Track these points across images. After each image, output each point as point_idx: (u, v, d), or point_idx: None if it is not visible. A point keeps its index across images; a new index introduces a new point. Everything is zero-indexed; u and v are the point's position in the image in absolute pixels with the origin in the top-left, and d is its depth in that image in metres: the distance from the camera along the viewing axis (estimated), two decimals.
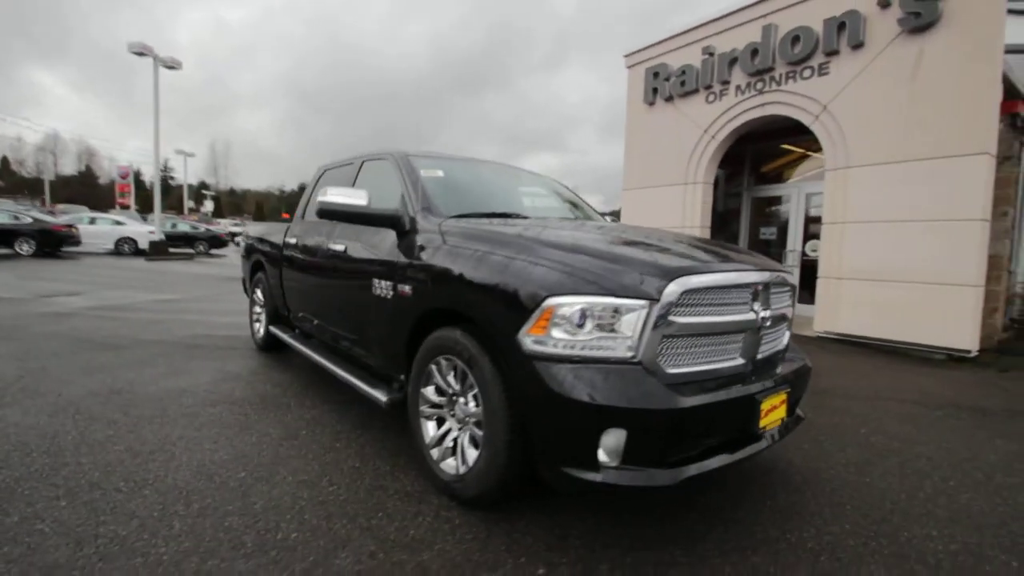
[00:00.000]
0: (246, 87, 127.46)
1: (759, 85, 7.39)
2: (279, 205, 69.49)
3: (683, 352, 1.94)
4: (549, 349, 1.86)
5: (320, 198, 2.76)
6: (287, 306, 4.32)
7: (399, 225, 2.76)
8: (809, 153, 9.07)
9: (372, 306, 2.84)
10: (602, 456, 1.79)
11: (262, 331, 4.92)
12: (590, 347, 1.84)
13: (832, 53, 6.52)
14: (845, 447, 3.12)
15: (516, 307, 1.93)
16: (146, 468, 2.48)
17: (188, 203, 44.62)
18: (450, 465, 2.30)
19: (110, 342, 5.07)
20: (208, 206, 57.56)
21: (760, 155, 9.59)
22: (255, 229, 5.44)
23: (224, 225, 37.65)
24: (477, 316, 2.12)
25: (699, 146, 8.28)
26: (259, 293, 5.00)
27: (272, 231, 4.78)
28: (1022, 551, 2.08)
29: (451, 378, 2.32)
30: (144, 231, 18.89)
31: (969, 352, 5.68)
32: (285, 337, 4.18)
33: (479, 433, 2.14)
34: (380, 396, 2.73)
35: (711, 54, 7.92)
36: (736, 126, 7.79)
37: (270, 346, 4.83)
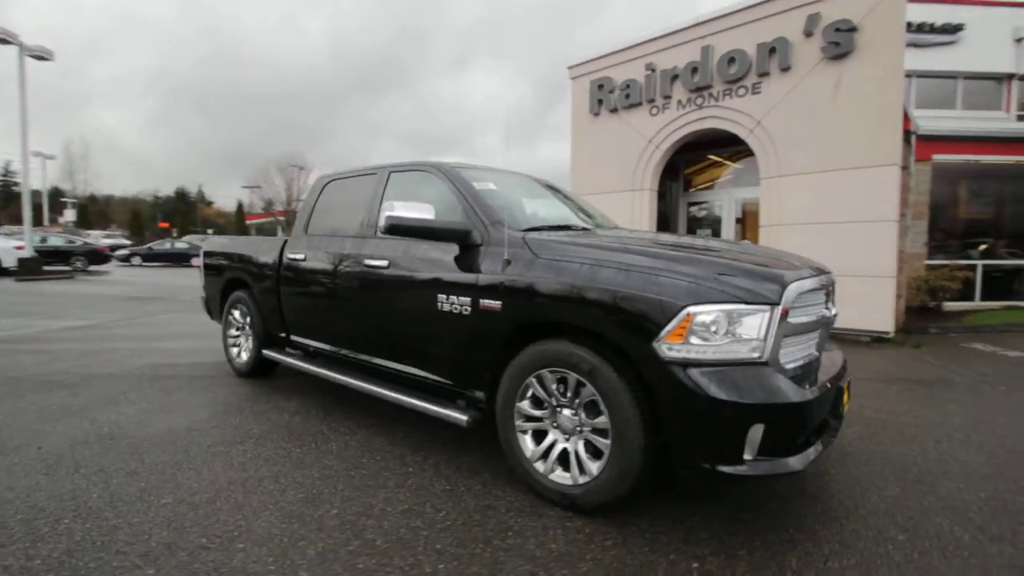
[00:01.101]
0: (105, 80, 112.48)
1: (699, 100, 8.09)
2: (153, 213, 62.56)
3: (791, 349, 2.15)
4: (687, 355, 1.98)
5: (388, 213, 2.64)
6: (285, 327, 4.01)
7: (468, 239, 2.71)
8: (728, 163, 10.09)
9: (438, 323, 2.77)
10: (745, 450, 1.94)
11: (245, 356, 4.50)
12: (723, 351, 1.98)
13: (764, 74, 7.33)
14: (851, 423, 3.58)
15: (652, 317, 2.02)
16: (218, 519, 2.21)
17: (49, 213, 38.54)
18: (563, 476, 2.32)
19: (53, 379, 4.35)
20: (69, 215, 50.12)
21: (690, 163, 10.46)
22: (223, 243, 4.95)
23: (95, 237, 33.07)
24: (599, 327, 2.17)
25: (644, 155, 8.85)
26: (236, 315, 4.57)
27: (255, 246, 4.40)
28: None
29: (554, 390, 2.35)
30: (7, 247, 16.11)
31: (888, 333, 6.68)
32: (294, 361, 3.86)
33: (602, 441, 2.20)
34: (458, 415, 2.66)
35: (653, 70, 8.51)
36: (678, 137, 8.45)
37: (256, 372, 4.42)
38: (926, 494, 2.54)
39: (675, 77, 8.25)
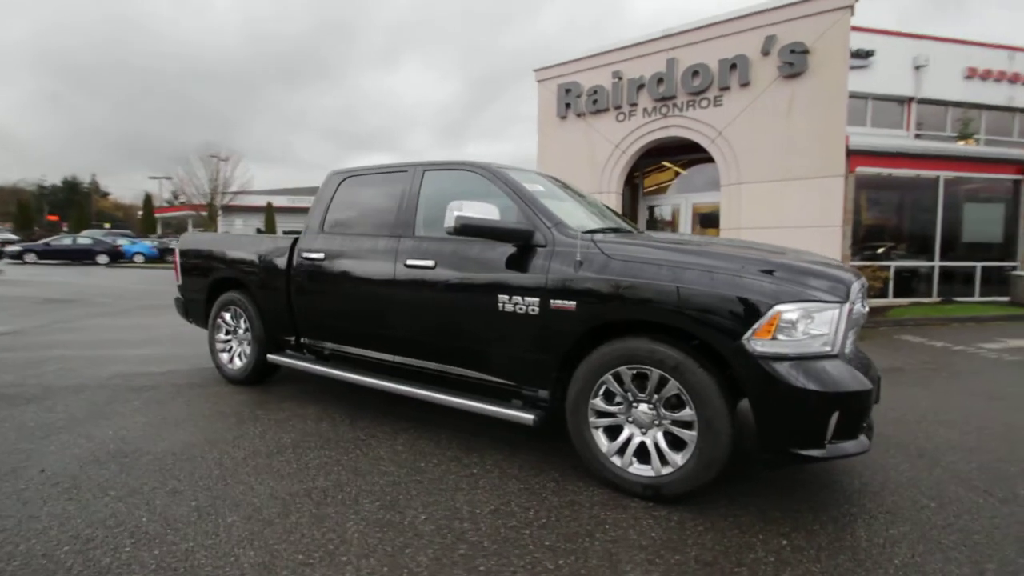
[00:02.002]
0: None
1: (664, 110, 8.53)
2: (39, 204, 55.61)
3: (848, 343, 2.39)
4: (774, 350, 2.15)
5: (458, 213, 2.61)
6: (295, 329, 3.80)
7: (531, 240, 2.74)
8: (679, 170, 10.72)
9: (498, 323, 2.77)
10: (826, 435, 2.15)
11: (239, 361, 4.21)
12: (803, 345, 2.17)
13: (725, 88, 7.88)
14: None
15: (743, 315, 2.17)
16: (302, 533, 2.10)
17: None
18: (643, 468, 2.42)
19: (7, 393, 3.83)
20: None
21: (645, 167, 10.99)
22: (208, 241, 4.58)
23: None
24: (687, 326, 2.29)
25: (611, 159, 9.19)
26: (227, 317, 4.26)
27: (254, 244, 4.12)
28: (1019, 462, 3.00)
29: (631, 385, 2.45)
30: None
31: None
32: (310, 366, 3.67)
33: (687, 433, 2.32)
34: (524, 415, 2.69)
35: (620, 78, 8.87)
36: (644, 144, 8.87)
37: (254, 379, 4.14)
38: (932, 467, 2.90)
39: (641, 86, 8.65)
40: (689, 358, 2.28)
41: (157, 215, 46.36)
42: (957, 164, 11.68)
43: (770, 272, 2.28)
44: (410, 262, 3.12)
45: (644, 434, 2.46)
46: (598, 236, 2.71)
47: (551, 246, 2.70)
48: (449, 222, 2.65)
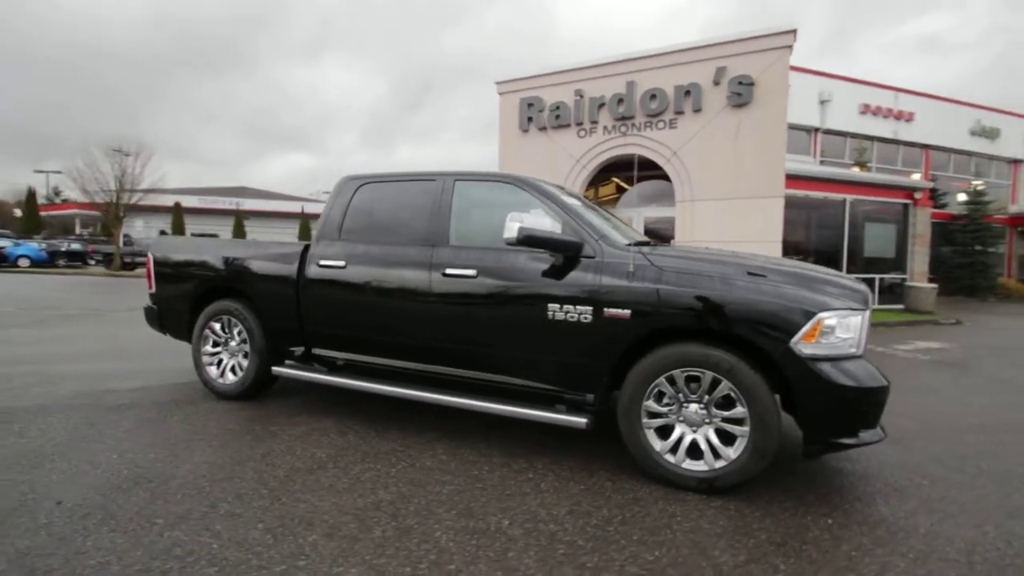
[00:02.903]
0: None
1: (623, 129, 9.04)
2: None
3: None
4: (817, 352, 2.44)
5: (520, 225, 2.69)
6: (304, 340, 3.65)
7: (580, 252, 2.87)
8: (626, 185, 11.35)
9: (548, 331, 2.87)
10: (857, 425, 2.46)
11: (233, 376, 3.95)
12: (837, 347, 2.48)
13: (680, 112, 8.51)
14: None
15: (792, 321, 2.44)
16: (396, 548, 2.07)
17: None
18: (696, 464, 2.62)
19: None
20: None
21: (596, 181, 11.51)
22: (194, 246, 4.25)
23: None
24: (740, 332, 2.52)
25: (572, 173, 9.56)
26: (217, 328, 3.99)
27: (256, 249, 3.91)
28: (970, 444, 3.54)
29: (683, 387, 2.65)
30: None
31: None
32: (326, 377, 3.53)
33: (739, 429, 2.54)
34: (577, 419, 2.80)
35: (582, 96, 9.28)
36: (604, 159, 9.32)
37: (251, 393, 3.90)
38: (909, 451, 3.36)
39: (602, 105, 9.11)
40: (741, 361, 2.52)
41: (43, 212, 41.10)
42: (860, 188, 13.34)
43: (808, 283, 2.58)
44: (450, 271, 3.13)
45: (695, 432, 2.67)
46: (644, 248, 2.90)
47: (600, 257, 2.85)
48: (510, 233, 2.71)
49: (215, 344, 4.05)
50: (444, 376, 3.26)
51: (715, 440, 2.62)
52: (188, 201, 44.40)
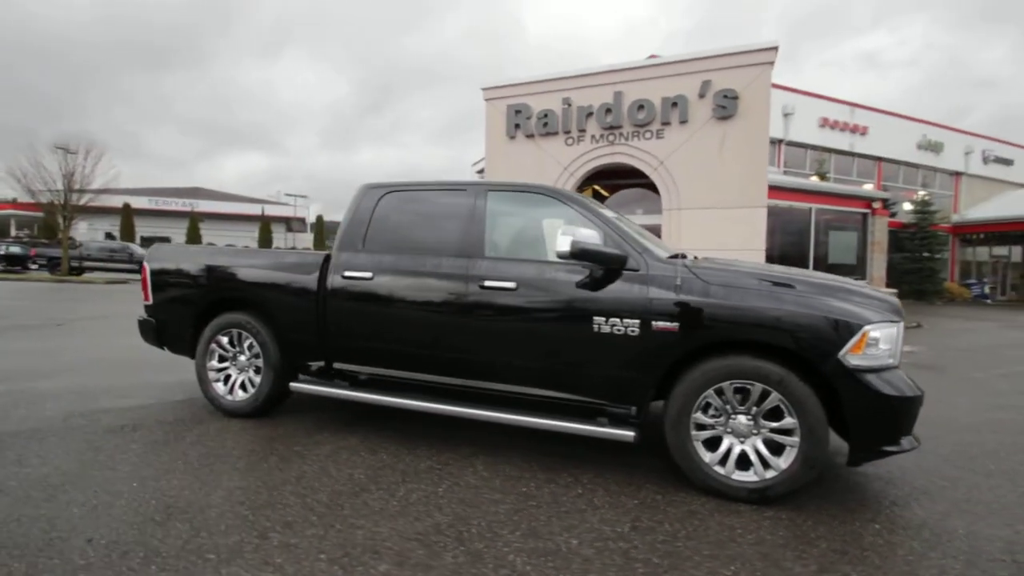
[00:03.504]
0: None
1: (611, 138, 9.18)
2: None
3: None
4: (863, 363, 2.53)
5: (574, 239, 2.69)
6: (325, 354, 3.52)
7: (625, 265, 2.88)
8: (605, 194, 11.54)
9: (594, 344, 2.86)
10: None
11: (243, 392, 3.75)
12: (878, 358, 2.58)
13: (667, 123, 8.72)
14: None
15: (841, 334, 2.52)
16: (482, 574, 2.00)
17: None
18: (745, 475, 2.66)
19: None
20: None
21: (579, 190, 11.64)
22: (195, 254, 4.02)
23: None
24: (790, 344, 2.58)
25: (560, 180, 9.62)
26: (225, 342, 3.79)
27: (272, 259, 3.73)
28: (976, 444, 3.74)
29: (732, 399, 2.69)
30: None
31: None
32: (350, 393, 3.40)
33: (788, 439, 2.60)
34: (625, 432, 2.80)
35: (569, 105, 9.37)
36: (591, 168, 9.43)
37: (263, 410, 3.72)
38: (922, 454, 3.53)
39: (590, 114, 9.22)
40: (791, 373, 2.58)
41: None
42: (824, 198, 14.01)
43: (848, 296, 2.67)
44: (489, 283, 3.08)
45: (742, 443, 2.71)
46: (687, 261, 2.93)
47: (644, 270, 2.87)
48: (563, 246, 2.69)
49: (222, 359, 3.84)
50: (476, 390, 3.20)
51: (764, 451, 2.67)
52: (138, 202, 42.22)
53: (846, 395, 2.53)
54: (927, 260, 20.03)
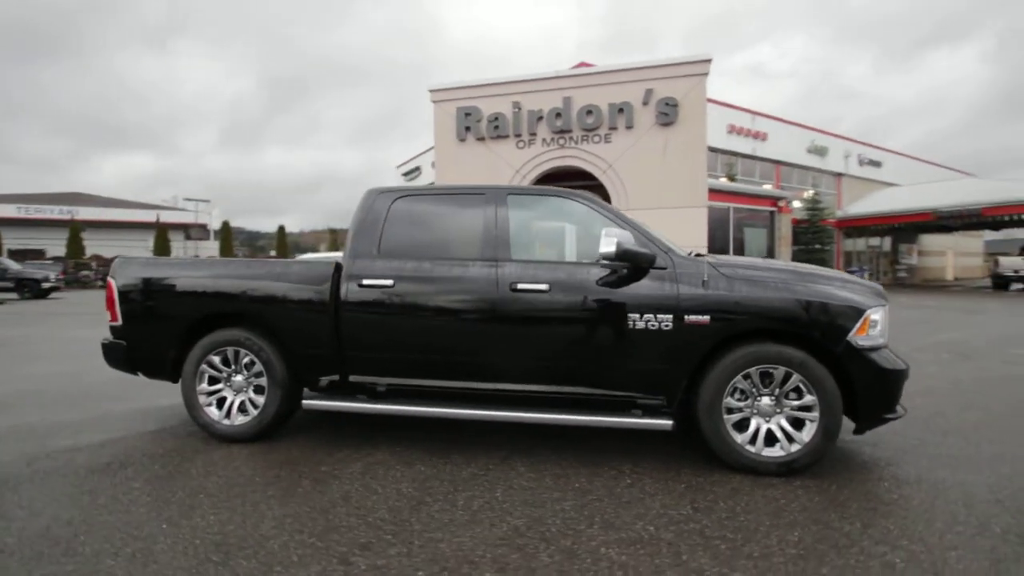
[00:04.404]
0: None
1: (561, 141, 9.46)
2: None
3: None
4: (867, 343, 2.88)
5: (619, 240, 2.79)
6: (341, 367, 3.36)
7: (654, 264, 3.04)
8: None
9: (629, 340, 3.00)
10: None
11: (245, 415, 3.47)
12: (875, 339, 2.95)
13: (614, 128, 9.15)
14: None
15: (850, 317, 2.85)
16: (594, 571, 2.05)
17: None
18: (773, 451, 2.92)
19: None
20: None
21: None
22: (185, 267, 3.65)
23: None
24: (808, 330, 2.88)
25: (512, 182, 9.74)
26: (218, 362, 3.49)
27: (274, 270, 3.49)
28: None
29: (758, 382, 2.95)
30: None
31: None
32: (373, 406, 3.27)
33: (809, 415, 2.89)
34: (663, 422, 2.97)
35: (520, 108, 9.53)
36: (543, 171, 9.66)
37: (267, 433, 3.46)
38: (923, 433, 4.05)
39: (540, 118, 9.45)
40: (809, 355, 2.88)
41: None
42: (739, 198, 15.37)
43: (845, 284, 3.03)
44: (521, 286, 3.11)
45: (768, 422, 2.98)
46: (711, 258, 3.16)
47: (672, 268, 3.06)
48: (608, 248, 2.80)
49: (213, 381, 3.52)
50: (507, 393, 3.22)
51: (788, 427, 2.95)
52: (3, 211, 36.71)
53: (855, 372, 2.87)
54: (819, 251, 22.66)
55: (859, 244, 27.89)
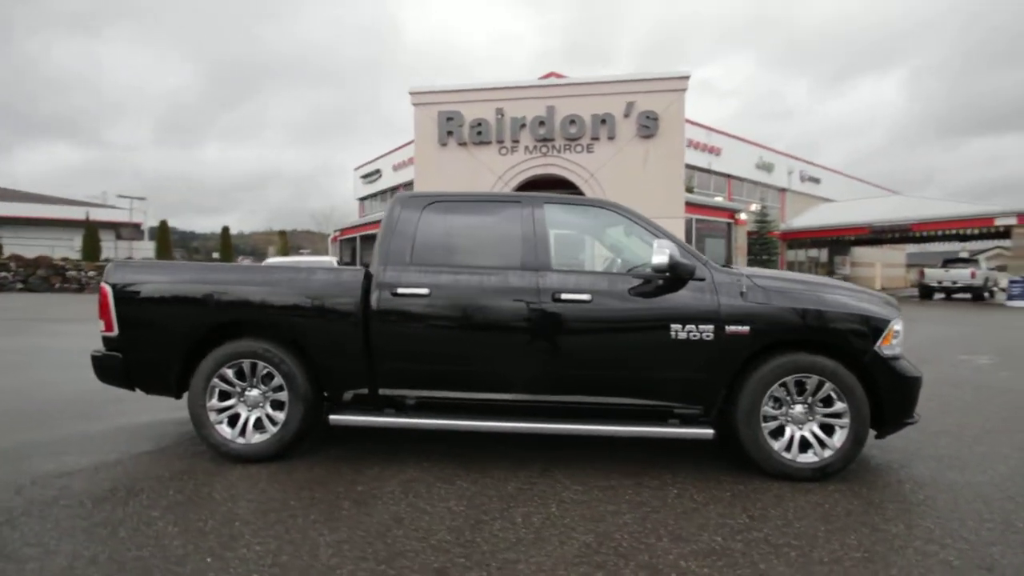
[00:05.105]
0: None
1: (543, 149, 9.53)
2: None
3: None
4: (891, 352, 3.06)
5: (671, 252, 2.82)
6: (372, 379, 3.21)
7: (693, 275, 3.10)
8: None
9: (671, 351, 3.04)
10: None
11: (262, 433, 3.25)
12: (896, 348, 3.14)
13: (596, 138, 9.32)
14: None
15: (877, 328, 3.01)
16: None
17: None
18: (807, 457, 3.03)
19: None
20: None
21: None
22: (195, 272, 3.38)
23: None
24: (839, 339, 3.02)
25: (494, 189, 9.71)
26: (231, 375, 3.25)
27: (298, 277, 3.28)
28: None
29: (793, 391, 3.06)
30: None
31: None
32: (400, 420, 3.15)
33: (839, 422, 3.02)
34: (704, 431, 3.03)
35: (503, 115, 9.52)
36: (525, 178, 9.69)
37: (285, 451, 3.25)
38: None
39: (523, 125, 9.48)
40: (840, 365, 3.02)
41: None
42: (700, 210, 15.98)
43: (868, 297, 3.21)
44: (565, 296, 3.09)
45: (801, 429, 3.09)
46: (744, 270, 3.25)
47: (710, 279, 3.13)
48: (662, 259, 2.83)
49: (223, 396, 3.27)
50: (545, 404, 3.19)
51: (821, 433, 3.07)
52: None
53: (882, 379, 3.03)
54: (767, 261, 23.97)
55: (800, 255, 29.74)
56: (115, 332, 3.28)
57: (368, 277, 3.23)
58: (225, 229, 41.41)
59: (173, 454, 3.38)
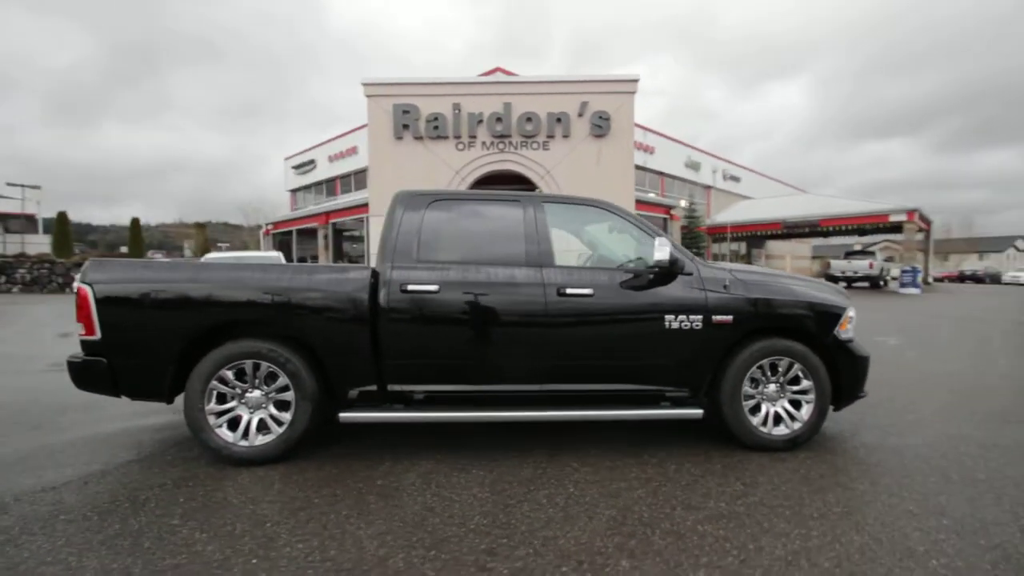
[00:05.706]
0: None
1: (501, 146, 9.66)
2: None
3: None
4: (846, 336, 3.53)
5: (673, 251, 3.08)
6: (379, 376, 3.25)
7: (683, 270, 3.40)
8: None
9: (665, 339, 3.31)
10: None
11: (266, 435, 3.18)
12: (850, 332, 3.62)
13: (551, 136, 9.58)
14: None
15: (836, 315, 3.46)
16: (715, 549, 2.29)
17: None
18: (779, 430, 3.43)
19: None
20: None
21: None
22: (189, 269, 3.20)
23: None
24: (806, 325, 3.43)
25: (451, 184, 9.73)
26: (231, 377, 3.17)
27: (302, 274, 3.22)
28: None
29: (768, 372, 3.45)
30: None
31: None
32: (407, 415, 3.21)
33: (805, 398, 3.45)
34: (694, 411, 3.34)
35: (460, 110, 9.54)
36: (482, 174, 9.77)
37: (287, 453, 3.21)
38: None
39: (480, 121, 9.55)
40: (807, 348, 3.44)
41: None
42: (640, 206, 16.76)
43: (823, 288, 3.67)
44: (570, 291, 3.27)
45: (774, 406, 3.49)
46: (727, 266, 3.60)
47: (697, 274, 3.44)
48: (663, 255, 3.08)
49: (222, 398, 3.17)
50: (547, 393, 3.37)
51: (791, 408, 3.48)
52: None
53: (840, 360, 3.49)
54: (696, 254, 25.58)
55: (723, 248, 31.99)
56: (97, 336, 3.07)
57: (375, 275, 3.25)
58: (135, 221, 37.86)
59: (163, 461, 3.22)
